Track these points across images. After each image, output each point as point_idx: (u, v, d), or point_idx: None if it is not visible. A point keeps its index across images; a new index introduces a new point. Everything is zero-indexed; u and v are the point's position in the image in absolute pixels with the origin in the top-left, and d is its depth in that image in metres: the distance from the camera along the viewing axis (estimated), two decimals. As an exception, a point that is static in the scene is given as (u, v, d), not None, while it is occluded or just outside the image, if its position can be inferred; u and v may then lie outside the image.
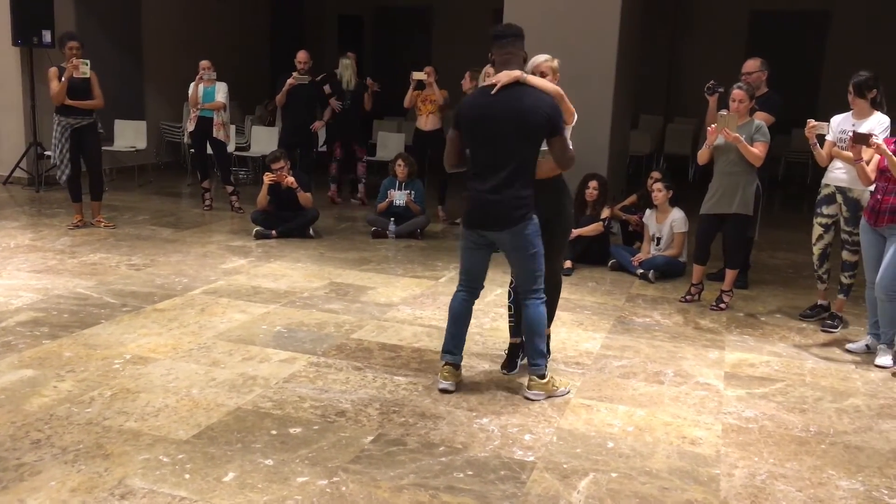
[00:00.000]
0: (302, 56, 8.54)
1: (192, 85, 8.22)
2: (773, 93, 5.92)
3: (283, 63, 9.44)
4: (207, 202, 8.47)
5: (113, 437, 3.27)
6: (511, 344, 4.25)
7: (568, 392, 3.91)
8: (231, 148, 9.93)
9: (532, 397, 3.83)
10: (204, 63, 8.17)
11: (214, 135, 8.21)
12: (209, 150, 8.42)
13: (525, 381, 3.95)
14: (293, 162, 7.81)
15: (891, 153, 4.38)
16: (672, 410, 3.78)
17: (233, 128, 9.77)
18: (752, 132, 5.27)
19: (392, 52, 14.44)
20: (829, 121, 5.07)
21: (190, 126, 8.38)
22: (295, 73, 8.44)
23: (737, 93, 5.27)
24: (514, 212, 3.69)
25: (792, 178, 11.57)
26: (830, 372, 4.41)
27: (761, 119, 5.59)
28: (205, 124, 8.20)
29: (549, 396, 3.85)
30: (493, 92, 3.68)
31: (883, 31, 11.77)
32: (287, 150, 7.68)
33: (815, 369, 4.44)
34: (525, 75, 3.71)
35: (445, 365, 3.92)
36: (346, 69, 8.99)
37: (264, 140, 10.47)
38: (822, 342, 4.92)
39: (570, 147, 3.78)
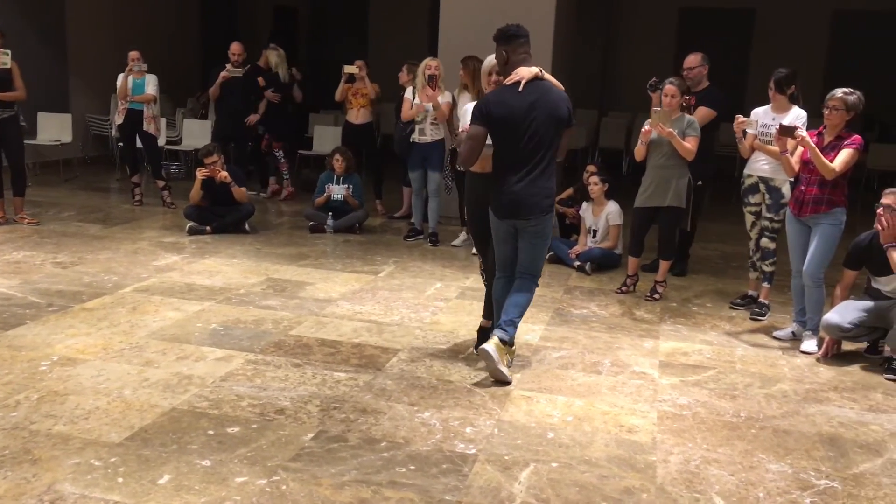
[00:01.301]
0: (235, 48, 8.37)
1: (121, 76, 7.97)
2: (714, 88, 6.08)
3: (215, 54, 9.24)
4: (137, 197, 8.24)
5: (41, 441, 3.15)
6: (482, 327, 4.42)
7: (509, 383, 3.95)
8: (162, 141, 9.69)
9: (489, 350, 3.88)
10: (133, 54, 7.93)
11: (145, 128, 8.00)
12: (139, 144, 8.19)
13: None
14: (227, 156, 7.66)
15: (813, 145, 4.56)
16: (609, 400, 3.85)
17: (163, 121, 9.53)
18: (683, 127, 5.40)
19: (327, 45, 14.29)
20: (750, 115, 5.25)
21: (119, 119, 8.13)
22: (228, 66, 8.27)
23: (668, 88, 5.40)
24: (544, 201, 3.98)
25: (720, 171, 11.89)
26: (759, 359, 4.55)
27: (704, 114, 5.74)
28: (134, 117, 7.97)
29: (497, 371, 3.92)
30: (520, 89, 3.91)
31: (803, 28, 12.22)
32: (221, 144, 7.52)
33: (745, 356, 4.58)
34: (543, 72, 3.98)
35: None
36: (283, 62, 8.84)
37: (197, 133, 10.23)
38: (750, 330, 5.08)
39: None
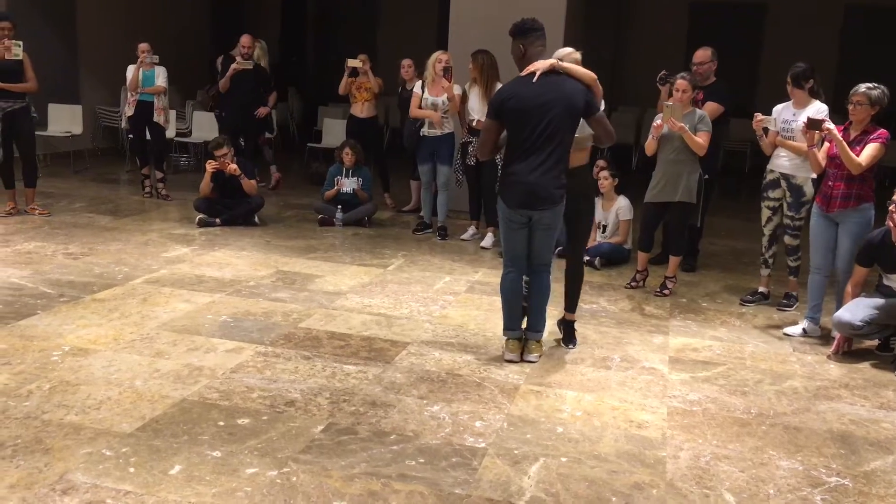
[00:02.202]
0: (246, 40, 8.37)
1: (132, 68, 7.99)
2: (721, 83, 6.06)
3: (224, 47, 9.23)
4: (147, 189, 8.26)
5: (53, 431, 3.17)
6: (567, 320, 4.56)
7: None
8: (172, 133, 9.72)
9: (534, 360, 4.19)
10: (143, 46, 7.94)
11: (155, 119, 8.02)
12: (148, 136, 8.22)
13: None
14: (237, 148, 7.68)
15: (840, 138, 4.55)
16: (619, 395, 3.85)
17: (173, 113, 9.55)
18: (695, 122, 5.38)
19: (336, 38, 14.28)
20: (770, 111, 5.24)
21: (129, 111, 8.15)
22: (238, 58, 8.27)
23: (680, 83, 5.37)
24: (556, 191, 4.03)
25: (731, 167, 11.86)
26: (769, 355, 4.54)
27: (712, 109, 5.71)
28: (144, 109, 8.01)
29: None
30: (534, 80, 3.95)
31: (815, 23, 12.14)
32: (230, 137, 7.53)
33: (755, 353, 4.57)
34: (560, 63, 4.01)
35: (509, 340, 4.24)
36: (265, 54, 8.84)
37: (206, 126, 10.23)
38: (761, 326, 5.06)
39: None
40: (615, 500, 2.90)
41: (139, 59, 7.90)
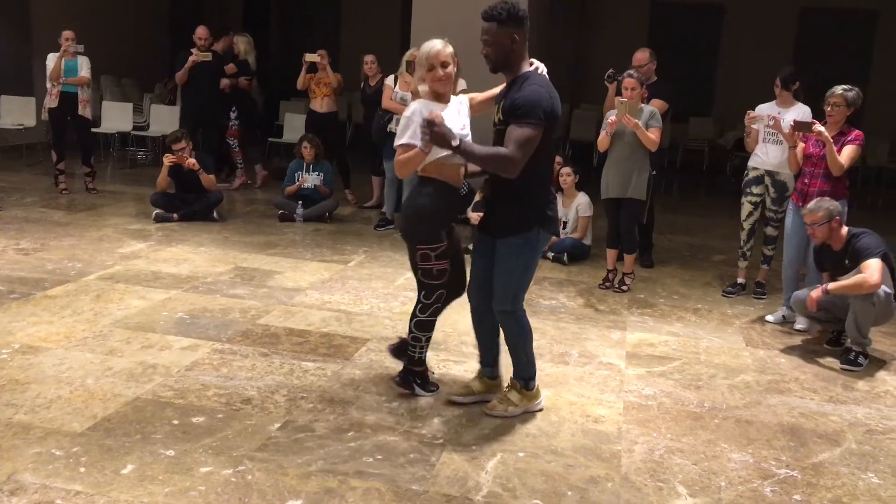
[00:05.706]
0: (201, 32, 8.23)
1: (52, 57, 7.59)
2: (663, 81, 6.20)
3: (182, 39, 9.09)
4: (63, 185, 7.91)
5: (0, 430, 3.09)
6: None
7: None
8: (128, 126, 9.54)
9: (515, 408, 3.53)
10: (68, 33, 7.55)
11: (80, 112, 7.72)
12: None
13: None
14: (195, 143, 7.56)
15: (831, 141, 4.74)
16: (576, 390, 3.89)
17: (120, 105, 9.35)
18: (647, 119, 5.45)
19: (299, 30, 14.16)
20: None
21: (52, 102, 7.68)
22: (195, 50, 8.13)
23: (628, 81, 5.44)
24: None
25: (689, 164, 12.04)
26: (723, 350, 4.62)
27: (658, 106, 5.81)
28: (69, 101, 7.65)
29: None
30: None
31: (771, 24, 12.38)
32: (189, 131, 7.41)
33: (710, 348, 4.64)
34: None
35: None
36: (252, 49, 8.74)
37: (165, 119, 10.08)
38: (715, 322, 5.15)
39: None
40: (571, 493, 2.93)
41: (62, 48, 7.52)
